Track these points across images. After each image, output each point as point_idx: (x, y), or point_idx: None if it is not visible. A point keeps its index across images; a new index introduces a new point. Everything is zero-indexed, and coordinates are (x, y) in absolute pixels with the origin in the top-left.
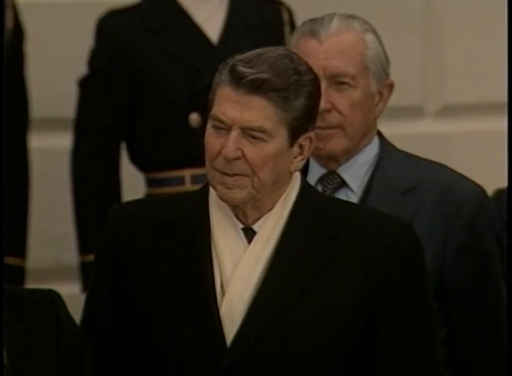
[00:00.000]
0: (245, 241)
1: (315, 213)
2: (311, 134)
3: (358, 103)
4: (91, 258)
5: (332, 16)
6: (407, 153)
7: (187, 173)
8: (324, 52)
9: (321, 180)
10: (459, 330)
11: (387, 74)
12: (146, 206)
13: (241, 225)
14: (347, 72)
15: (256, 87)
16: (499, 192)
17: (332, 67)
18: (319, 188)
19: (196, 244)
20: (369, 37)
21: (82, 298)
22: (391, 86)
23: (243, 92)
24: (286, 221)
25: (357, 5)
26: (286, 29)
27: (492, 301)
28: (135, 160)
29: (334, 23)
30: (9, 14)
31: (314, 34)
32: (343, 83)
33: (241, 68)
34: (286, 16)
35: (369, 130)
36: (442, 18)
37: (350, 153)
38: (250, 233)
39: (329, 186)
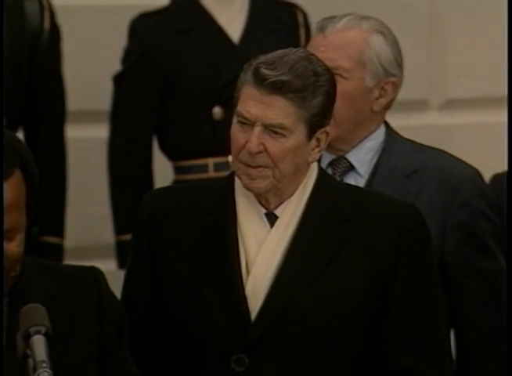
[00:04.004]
0: (268, 225)
1: (331, 199)
2: (327, 128)
3: (347, 93)
4: (125, 237)
5: (346, 15)
6: (411, 141)
7: (210, 161)
8: (325, 45)
9: (331, 164)
10: (459, 298)
11: (389, 73)
12: (177, 192)
13: (264, 211)
14: (339, 65)
15: (277, 88)
16: (496, 176)
17: (328, 59)
18: (329, 171)
19: (223, 227)
20: (375, 37)
21: (118, 273)
22: (394, 84)
23: (266, 92)
24: (304, 206)
25: (368, 7)
26: (301, 30)
27: (487, 272)
28: (164, 149)
29: (343, 21)
30: (46, 16)
31: (322, 28)
32: (335, 74)
33: (264, 70)
34: (301, 19)
35: (365, 120)
36: (446, 19)
37: (343, 140)
38: (272, 218)
39: (339, 170)
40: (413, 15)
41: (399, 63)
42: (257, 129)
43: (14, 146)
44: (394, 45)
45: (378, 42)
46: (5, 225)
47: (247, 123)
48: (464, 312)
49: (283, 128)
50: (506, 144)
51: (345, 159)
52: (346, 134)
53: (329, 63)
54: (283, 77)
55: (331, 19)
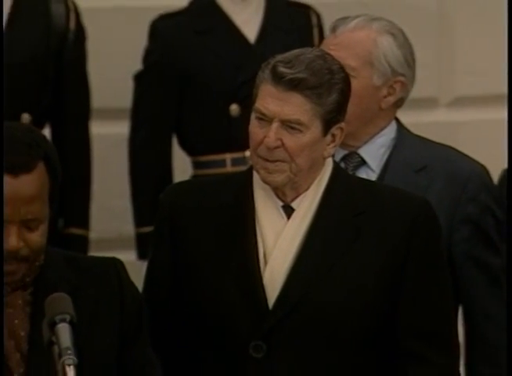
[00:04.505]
0: (285, 217)
1: (345, 193)
2: (342, 124)
3: (355, 90)
4: (145, 229)
5: (358, 16)
6: (421, 137)
7: (228, 157)
8: (335, 44)
9: (344, 159)
10: (463, 289)
11: (398, 73)
12: (197, 186)
13: (281, 203)
14: (347, 64)
15: (294, 85)
16: (505, 171)
17: (337, 58)
18: (342, 166)
19: (242, 219)
20: (384, 38)
21: (138, 264)
22: (403, 83)
23: (283, 90)
24: (320, 199)
25: (379, 9)
26: (315, 31)
27: (491, 265)
28: (183, 145)
29: (354, 22)
30: (71, 17)
31: (334, 28)
32: None
33: (281, 68)
34: (314, 20)
35: (373, 117)
36: (454, 21)
37: (353, 136)
38: (288, 210)
39: (351, 165)
40: (423, 17)
41: (409, 63)
42: (275, 125)
43: (38, 141)
44: (405, 46)
45: (387, 43)
46: (28, 216)
47: (265, 119)
48: (467, 302)
49: (300, 123)
50: (506, 143)
51: (357, 154)
52: (355, 130)
53: None
54: (300, 75)
55: (344, 19)
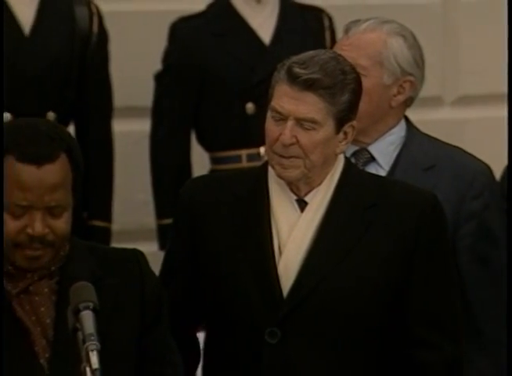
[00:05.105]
0: (298, 210)
1: (357, 187)
2: (354, 122)
3: (366, 89)
4: (166, 221)
5: (370, 19)
6: (429, 137)
7: (244, 152)
8: (347, 45)
9: (354, 155)
10: (465, 280)
11: (407, 72)
12: (215, 181)
13: (295, 197)
14: (358, 63)
15: (309, 85)
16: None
17: (348, 58)
18: (352, 161)
19: (257, 212)
20: (394, 39)
21: (159, 255)
22: (412, 83)
23: (298, 89)
24: (332, 193)
25: (386, 11)
26: (327, 33)
27: (492, 258)
28: (201, 141)
29: (365, 24)
30: (95, 21)
31: (347, 30)
32: None
33: (296, 69)
34: (326, 23)
35: (383, 115)
36: (458, 22)
37: (364, 132)
38: (302, 204)
39: (361, 160)
40: (428, 18)
41: (418, 64)
42: (290, 123)
43: (62, 135)
44: (414, 47)
45: (397, 44)
46: (52, 203)
47: (281, 117)
48: (467, 295)
49: (314, 121)
50: (506, 144)
51: (367, 151)
52: (365, 127)
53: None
54: (314, 76)
55: (356, 22)
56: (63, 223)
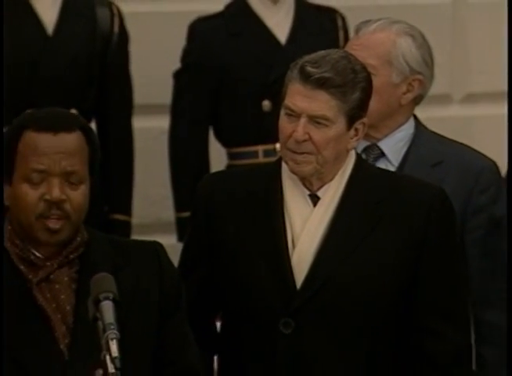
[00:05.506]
0: (311, 205)
1: (367, 182)
2: (365, 119)
3: (375, 87)
4: (184, 214)
5: (380, 19)
6: (437, 134)
7: (260, 148)
8: (357, 44)
9: (365, 150)
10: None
11: (416, 71)
12: (231, 176)
13: (308, 192)
14: (367, 62)
15: (321, 84)
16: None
17: (358, 57)
18: (363, 156)
19: (271, 207)
20: (403, 39)
21: (177, 247)
22: (421, 81)
23: (311, 88)
24: (344, 188)
25: (396, 12)
26: (340, 33)
27: (499, 251)
28: (219, 137)
29: (375, 25)
30: (115, 21)
31: (357, 30)
32: None
33: (309, 68)
34: (340, 23)
35: (393, 112)
36: (467, 23)
37: (375, 128)
38: (314, 199)
39: (371, 156)
40: (438, 19)
41: (427, 63)
42: (303, 120)
43: (80, 120)
44: (423, 46)
45: (406, 44)
46: (68, 168)
47: (294, 115)
48: (472, 287)
49: (326, 119)
50: (505, 144)
51: (377, 146)
52: (376, 123)
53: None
54: (326, 74)
55: (366, 22)
56: (79, 195)
